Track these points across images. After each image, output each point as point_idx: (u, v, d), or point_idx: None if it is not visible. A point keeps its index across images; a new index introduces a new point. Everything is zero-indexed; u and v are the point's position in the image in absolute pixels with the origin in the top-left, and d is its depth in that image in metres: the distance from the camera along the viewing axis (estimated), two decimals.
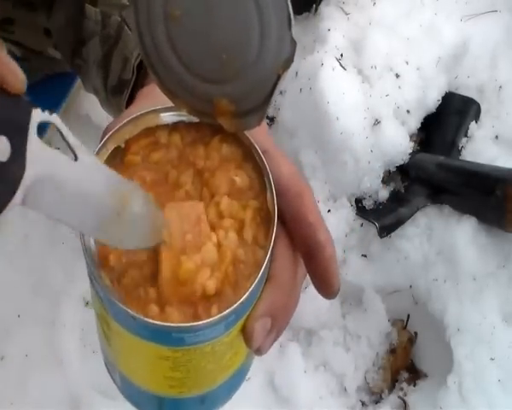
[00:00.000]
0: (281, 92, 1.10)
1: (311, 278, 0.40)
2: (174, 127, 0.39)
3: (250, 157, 0.38)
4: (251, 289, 0.34)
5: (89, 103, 1.08)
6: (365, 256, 0.99)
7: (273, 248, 0.37)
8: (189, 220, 0.35)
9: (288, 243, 0.39)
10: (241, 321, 0.36)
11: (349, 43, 1.04)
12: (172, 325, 0.33)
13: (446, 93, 1.03)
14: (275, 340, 0.39)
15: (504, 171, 0.91)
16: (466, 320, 0.89)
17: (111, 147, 0.38)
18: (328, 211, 0.99)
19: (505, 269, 0.91)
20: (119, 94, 0.57)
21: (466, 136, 1.01)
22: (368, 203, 0.99)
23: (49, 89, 0.96)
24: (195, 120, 0.38)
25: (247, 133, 0.38)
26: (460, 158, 1.00)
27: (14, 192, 0.26)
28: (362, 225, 0.99)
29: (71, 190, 0.29)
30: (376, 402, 0.96)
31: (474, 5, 1.09)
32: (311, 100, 1.00)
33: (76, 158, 0.29)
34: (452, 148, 1.00)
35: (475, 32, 1.05)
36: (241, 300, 0.34)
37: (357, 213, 0.99)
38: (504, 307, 0.90)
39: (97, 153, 0.37)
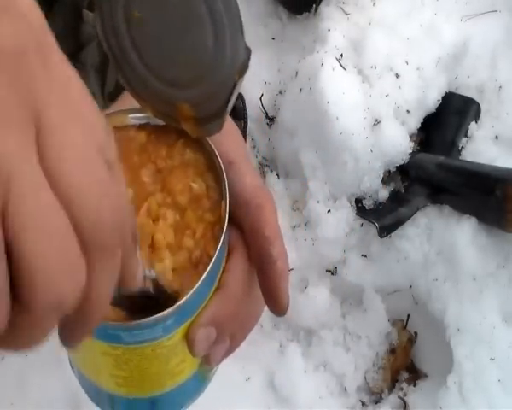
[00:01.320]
0: (280, 92, 1.10)
1: (262, 293, 0.39)
2: (141, 127, 0.40)
3: (213, 166, 0.38)
4: (189, 293, 0.34)
5: None
6: (365, 256, 0.99)
7: (223, 257, 0.37)
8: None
9: (245, 255, 0.39)
10: (183, 326, 0.36)
11: (349, 43, 1.04)
12: (107, 322, 0.33)
13: (446, 93, 1.03)
14: (229, 351, 0.39)
15: (504, 171, 0.91)
16: (466, 320, 0.90)
17: None
18: (328, 211, 0.99)
19: (505, 269, 0.91)
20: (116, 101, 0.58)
21: (466, 136, 1.01)
22: (368, 203, 0.99)
23: None
24: (162, 123, 0.39)
25: (213, 141, 0.38)
26: (460, 158, 1.00)
27: None
28: (362, 225, 0.99)
29: None
30: (376, 402, 0.96)
31: (474, 5, 1.09)
32: (311, 100, 1.00)
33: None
34: (452, 148, 1.00)
35: (475, 32, 1.05)
36: (179, 303, 0.34)
37: (357, 213, 0.99)
38: (504, 307, 0.90)
39: None
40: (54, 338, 0.89)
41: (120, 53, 0.37)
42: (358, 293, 0.99)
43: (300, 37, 1.12)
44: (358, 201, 1.00)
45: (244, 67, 0.33)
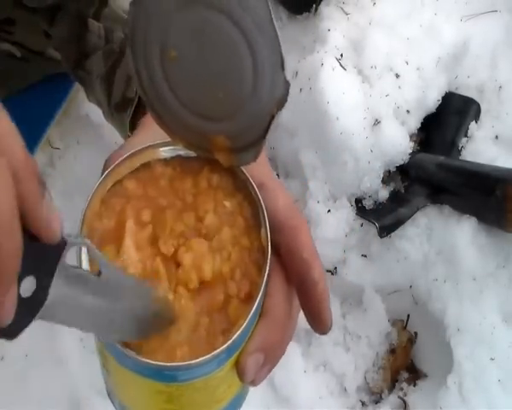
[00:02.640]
0: None
1: (304, 313, 0.40)
2: (170, 161, 0.39)
3: (242, 187, 0.38)
4: (243, 327, 0.34)
5: (89, 103, 1.08)
6: (365, 256, 0.99)
7: (267, 283, 0.37)
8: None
9: (283, 277, 0.39)
10: (233, 357, 0.36)
11: (349, 43, 1.04)
12: (164, 364, 0.34)
13: (446, 93, 1.03)
14: (269, 371, 0.39)
15: (504, 171, 0.91)
16: (466, 320, 0.90)
17: (110, 183, 0.38)
18: (328, 211, 0.99)
19: (505, 269, 0.91)
20: (123, 111, 0.58)
21: (466, 136, 1.01)
22: (368, 203, 0.99)
23: (49, 89, 0.96)
24: (193, 154, 0.39)
25: (243, 167, 0.38)
26: (460, 158, 1.00)
27: (32, 319, 0.28)
28: (362, 225, 0.99)
29: (91, 302, 0.31)
30: (376, 402, 0.96)
31: (474, 5, 1.09)
32: (311, 100, 1.00)
33: (99, 273, 0.31)
34: (452, 148, 1.00)
35: (475, 32, 1.05)
36: (233, 338, 0.34)
37: (357, 213, 0.99)
38: (504, 307, 0.90)
39: (97, 188, 0.37)
40: (54, 338, 0.89)
41: (151, 86, 0.37)
42: (358, 293, 0.99)
43: (300, 37, 1.12)
44: (358, 201, 1.00)
45: (283, 101, 0.33)
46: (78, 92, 1.07)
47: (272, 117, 0.34)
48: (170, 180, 0.39)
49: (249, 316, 0.35)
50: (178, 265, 0.36)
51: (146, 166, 0.39)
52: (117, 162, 0.38)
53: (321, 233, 0.98)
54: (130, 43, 0.36)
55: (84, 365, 0.95)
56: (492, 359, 0.87)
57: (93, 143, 1.11)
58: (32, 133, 0.99)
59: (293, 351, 0.96)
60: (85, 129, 1.12)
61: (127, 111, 0.57)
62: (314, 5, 1.11)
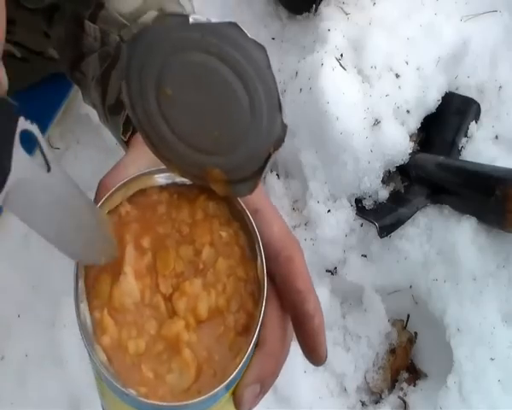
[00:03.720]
0: (280, 92, 1.11)
1: (299, 343, 0.40)
2: (165, 188, 0.39)
3: (240, 218, 0.38)
4: (240, 365, 0.34)
5: None
6: (365, 256, 0.99)
7: (263, 314, 0.37)
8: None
9: (277, 304, 0.39)
10: (231, 389, 0.36)
11: (349, 43, 1.04)
12: (163, 404, 0.34)
13: (446, 93, 1.03)
14: (263, 396, 0.40)
15: (504, 171, 0.91)
16: (466, 320, 0.89)
17: (106, 209, 0.38)
18: (328, 211, 0.99)
19: (505, 269, 0.91)
20: (117, 114, 0.58)
21: (466, 136, 1.01)
22: (368, 203, 0.99)
23: (50, 89, 0.96)
24: (188, 181, 0.39)
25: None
26: (460, 158, 1.00)
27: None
28: (362, 225, 0.99)
29: (43, 199, 0.30)
30: (376, 402, 0.96)
31: (474, 5, 1.09)
32: (311, 100, 1.00)
33: (49, 169, 0.30)
34: (452, 148, 1.00)
35: (475, 32, 1.05)
36: (230, 378, 0.34)
37: (357, 213, 0.99)
38: (504, 307, 0.90)
39: None
40: (54, 338, 0.89)
41: (146, 118, 0.37)
42: (358, 293, 0.99)
43: (300, 37, 1.12)
44: (358, 201, 1.00)
45: (280, 142, 0.33)
46: (78, 92, 1.07)
47: (269, 155, 0.34)
48: (167, 208, 0.39)
49: (247, 354, 0.35)
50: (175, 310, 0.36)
51: (141, 193, 0.39)
52: (112, 191, 0.38)
53: (321, 233, 0.98)
54: (125, 76, 0.35)
55: (84, 365, 0.95)
56: (492, 359, 0.87)
57: (93, 143, 1.11)
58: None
59: (294, 351, 0.96)
60: (85, 129, 1.12)
61: (121, 114, 0.57)
62: (314, 5, 1.11)
